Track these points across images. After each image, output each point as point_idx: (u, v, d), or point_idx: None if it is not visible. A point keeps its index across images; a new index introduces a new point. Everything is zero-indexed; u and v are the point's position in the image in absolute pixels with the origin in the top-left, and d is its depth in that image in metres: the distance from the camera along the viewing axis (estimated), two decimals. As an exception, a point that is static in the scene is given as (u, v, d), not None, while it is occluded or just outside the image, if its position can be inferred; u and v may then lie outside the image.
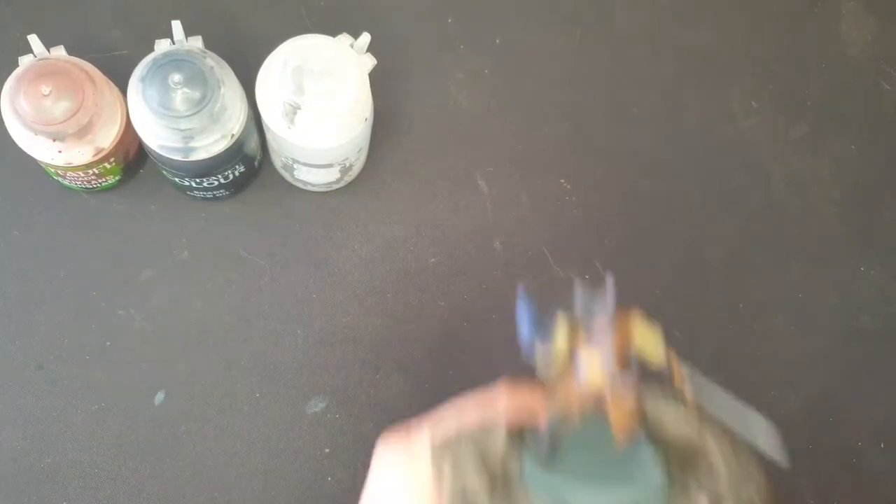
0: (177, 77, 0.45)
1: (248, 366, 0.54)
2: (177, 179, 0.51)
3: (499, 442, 0.24)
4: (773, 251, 0.59)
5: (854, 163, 0.60)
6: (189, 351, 0.54)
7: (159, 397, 0.53)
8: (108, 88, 0.49)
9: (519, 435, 0.25)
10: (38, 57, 0.48)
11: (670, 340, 0.56)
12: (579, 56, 0.60)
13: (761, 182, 0.59)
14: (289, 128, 0.47)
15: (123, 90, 0.48)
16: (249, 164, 0.53)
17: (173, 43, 0.48)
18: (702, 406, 0.22)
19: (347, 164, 0.52)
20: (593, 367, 0.21)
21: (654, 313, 0.57)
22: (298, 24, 0.56)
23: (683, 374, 0.22)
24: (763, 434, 0.23)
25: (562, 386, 0.21)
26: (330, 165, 0.51)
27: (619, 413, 0.22)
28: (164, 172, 0.51)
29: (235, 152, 0.49)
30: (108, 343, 0.53)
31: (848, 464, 0.57)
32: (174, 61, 0.46)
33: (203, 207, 0.55)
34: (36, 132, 0.46)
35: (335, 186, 0.55)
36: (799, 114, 0.60)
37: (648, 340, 0.22)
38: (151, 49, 0.47)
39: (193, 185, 0.51)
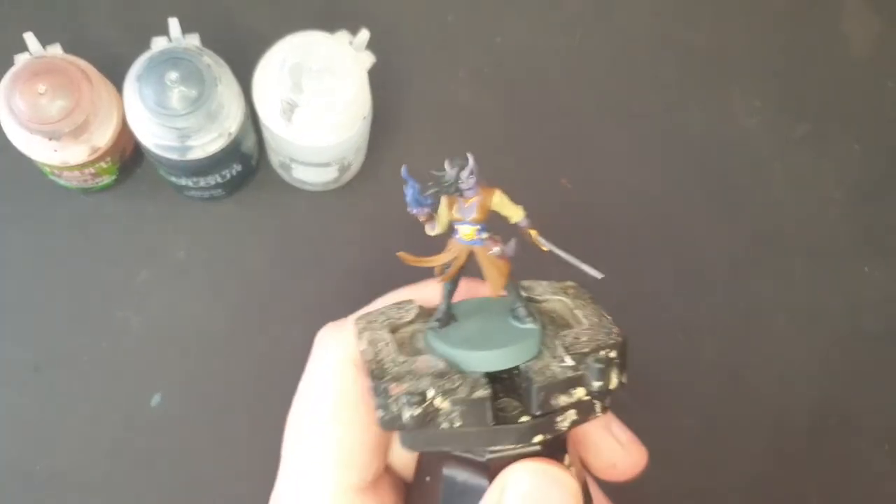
0: (173, 75, 0.45)
1: (246, 367, 0.53)
2: (173, 179, 0.51)
3: (409, 315, 0.30)
4: (774, 251, 0.58)
5: (857, 162, 0.60)
6: (186, 352, 0.53)
7: (156, 399, 0.53)
8: (105, 87, 0.48)
9: (428, 312, 0.31)
10: (34, 55, 0.47)
11: (672, 341, 0.56)
12: (579, 56, 0.60)
13: (763, 181, 0.59)
14: (286, 126, 0.47)
15: (120, 89, 0.47)
16: (246, 164, 0.52)
17: (170, 41, 0.47)
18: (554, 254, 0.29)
19: (346, 163, 0.52)
20: (465, 227, 0.28)
21: (654, 313, 0.57)
22: (296, 21, 0.56)
23: (537, 235, 0.29)
24: (591, 270, 0.29)
25: (446, 249, 0.29)
26: (328, 164, 0.50)
27: (488, 261, 0.28)
28: (161, 172, 0.51)
29: (232, 151, 0.49)
30: (104, 344, 0.53)
31: (851, 466, 0.57)
32: (171, 59, 0.46)
33: (200, 207, 0.55)
34: (31, 131, 0.46)
35: (333, 186, 0.55)
36: (801, 113, 0.60)
37: (506, 206, 0.28)
38: (148, 47, 0.47)
39: (190, 184, 0.51)
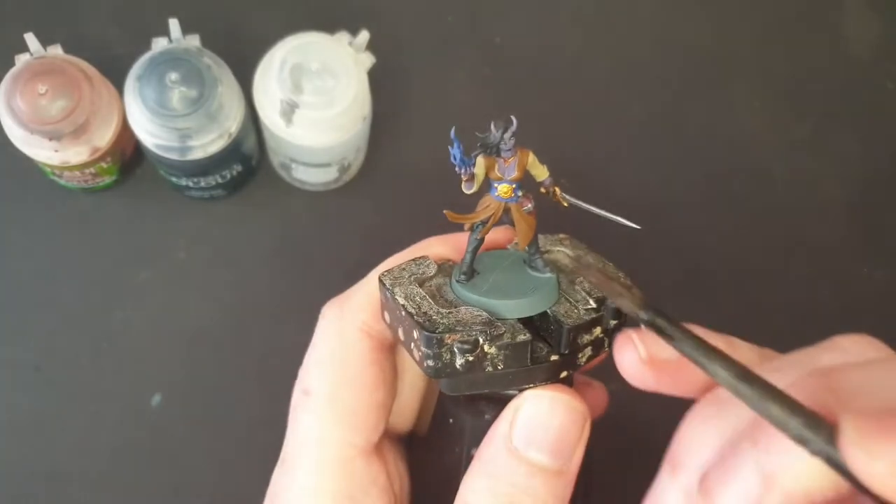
0: (174, 76, 0.45)
1: (246, 367, 0.53)
2: (174, 179, 0.51)
3: (430, 270, 0.32)
4: (775, 252, 0.58)
5: (858, 163, 0.60)
6: (187, 353, 0.53)
7: (156, 399, 0.53)
8: (105, 87, 0.49)
9: (446, 266, 0.33)
10: (35, 55, 0.48)
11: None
12: (579, 56, 0.60)
13: (764, 182, 0.59)
14: (286, 126, 0.47)
15: (121, 89, 0.48)
16: (247, 164, 0.52)
17: (170, 41, 0.47)
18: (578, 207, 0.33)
19: (346, 164, 0.52)
20: (504, 186, 0.30)
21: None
22: (296, 22, 0.56)
23: (560, 192, 0.32)
24: (626, 221, 0.33)
25: (480, 205, 0.31)
26: (328, 164, 0.50)
27: (521, 216, 0.31)
28: (161, 172, 0.51)
29: (233, 151, 0.49)
30: (104, 345, 0.53)
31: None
32: (171, 60, 0.46)
33: (200, 207, 0.55)
34: (32, 131, 0.46)
35: (333, 186, 0.55)
36: (802, 113, 0.60)
37: (536, 165, 0.31)
38: (148, 48, 0.47)
39: (190, 184, 0.51)
